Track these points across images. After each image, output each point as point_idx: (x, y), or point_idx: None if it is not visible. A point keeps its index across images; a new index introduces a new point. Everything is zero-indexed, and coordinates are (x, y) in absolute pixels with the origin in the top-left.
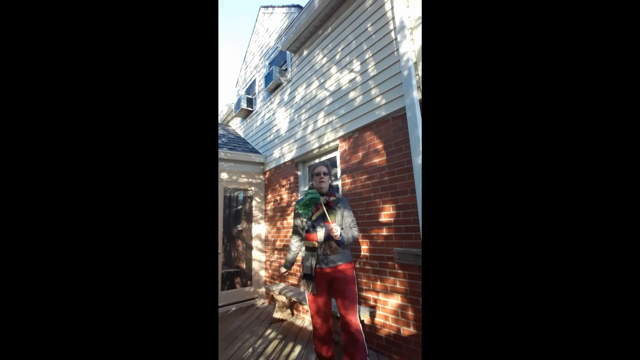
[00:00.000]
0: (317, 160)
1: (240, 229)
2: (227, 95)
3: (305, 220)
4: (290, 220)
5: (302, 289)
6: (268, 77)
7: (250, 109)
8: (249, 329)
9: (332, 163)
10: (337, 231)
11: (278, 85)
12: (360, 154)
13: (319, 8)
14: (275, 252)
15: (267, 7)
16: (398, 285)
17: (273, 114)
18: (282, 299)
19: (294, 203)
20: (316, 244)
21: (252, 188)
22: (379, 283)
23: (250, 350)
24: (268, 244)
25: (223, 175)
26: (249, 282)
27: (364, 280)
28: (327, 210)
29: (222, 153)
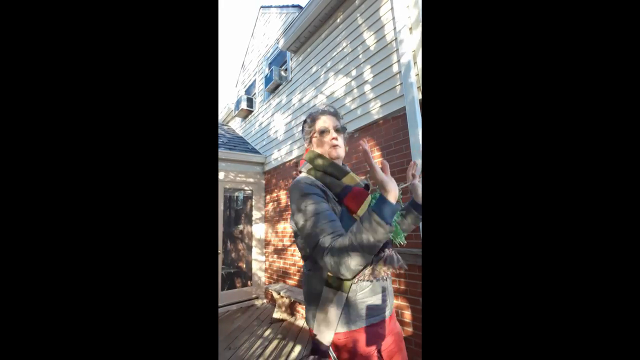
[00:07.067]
0: None
1: (240, 229)
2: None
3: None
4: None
5: None
6: (268, 78)
7: (250, 109)
8: (249, 329)
9: None
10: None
11: (278, 86)
12: (360, 153)
13: (319, 8)
14: (275, 253)
15: (266, 7)
16: (398, 286)
17: (273, 114)
18: (282, 299)
19: None
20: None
21: (252, 188)
22: None
23: (250, 350)
24: (268, 245)
25: (222, 175)
26: (249, 282)
27: None
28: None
29: (221, 153)
